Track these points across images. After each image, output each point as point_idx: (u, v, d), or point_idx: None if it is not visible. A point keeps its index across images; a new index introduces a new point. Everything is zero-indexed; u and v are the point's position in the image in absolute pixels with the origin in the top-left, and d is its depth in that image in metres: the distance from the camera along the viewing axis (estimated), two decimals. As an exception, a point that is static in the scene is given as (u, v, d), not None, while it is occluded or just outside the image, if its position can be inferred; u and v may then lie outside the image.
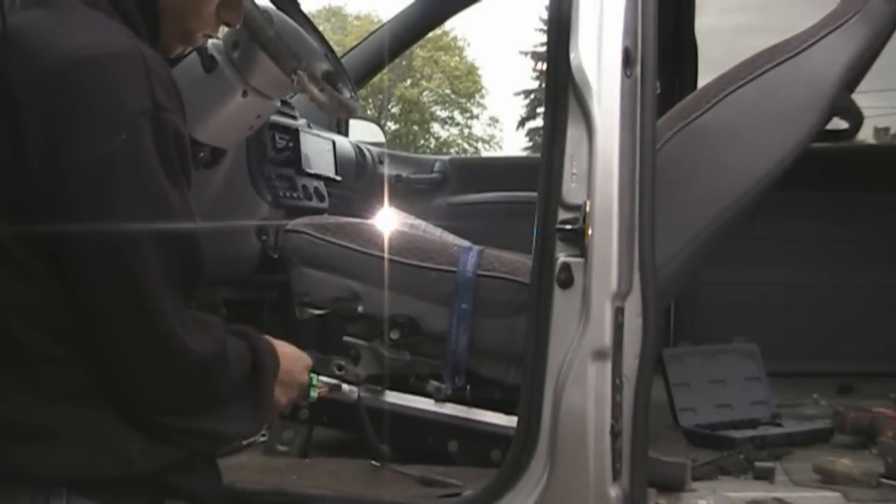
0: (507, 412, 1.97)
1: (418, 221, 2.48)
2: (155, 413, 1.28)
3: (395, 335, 2.06)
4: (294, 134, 2.70)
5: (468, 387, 2.06)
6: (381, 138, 3.78)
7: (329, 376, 1.91)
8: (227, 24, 1.50)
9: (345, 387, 2.03)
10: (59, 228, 1.21)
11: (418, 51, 28.91)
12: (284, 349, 1.48)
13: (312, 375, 1.60)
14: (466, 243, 2.19)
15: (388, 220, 2.44)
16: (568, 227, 1.66)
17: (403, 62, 27.86)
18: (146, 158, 1.22)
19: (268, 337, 1.47)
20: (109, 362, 1.25)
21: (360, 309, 2.08)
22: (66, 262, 1.22)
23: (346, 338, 2.10)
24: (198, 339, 1.27)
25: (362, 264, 2.09)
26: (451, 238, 2.37)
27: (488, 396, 2.08)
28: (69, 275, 1.23)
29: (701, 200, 2.01)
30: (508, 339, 2.00)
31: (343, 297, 2.08)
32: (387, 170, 3.49)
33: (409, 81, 31.67)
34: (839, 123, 2.25)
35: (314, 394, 1.61)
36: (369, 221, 2.33)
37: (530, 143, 29.14)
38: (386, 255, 2.07)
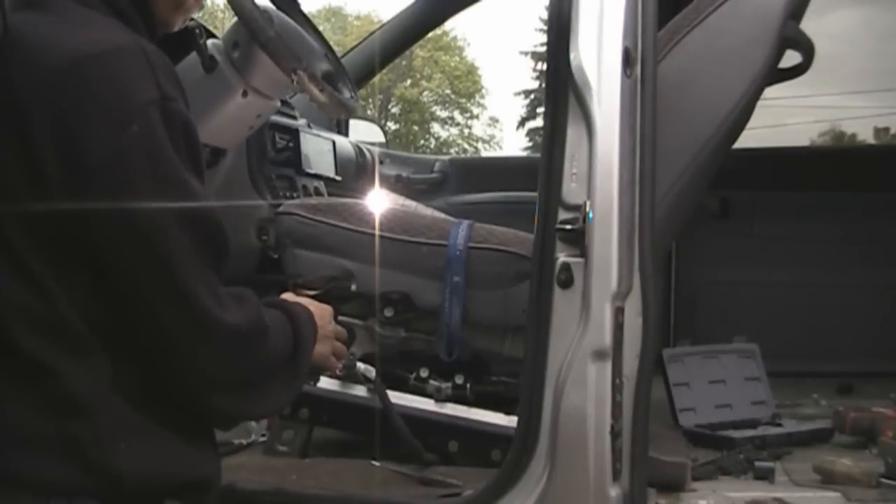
0: (507, 412, 1.97)
1: (409, 202, 2.47)
2: (210, 392, 1.29)
3: (389, 312, 2.07)
4: (294, 134, 2.69)
5: (468, 385, 2.06)
6: (381, 138, 3.78)
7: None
8: None
9: (360, 365, 2.03)
10: (85, 225, 1.21)
11: (418, 51, 28.89)
12: (312, 307, 1.49)
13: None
14: (457, 220, 2.18)
15: (378, 200, 2.44)
16: (568, 227, 1.66)
17: (403, 62, 27.85)
18: (160, 145, 1.22)
19: (296, 300, 1.50)
20: (155, 350, 1.26)
21: (353, 287, 2.08)
22: (94, 259, 1.22)
23: (340, 318, 2.10)
24: (233, 313, 1.28)
25: (354, 243, 2.09)
26: (441, 216, 2.36)
27: (488, 382, 2.09)
28: (101, 274, 1.22)
29: (670, 152, 2.00)
30: (503, 311, 2.01)
31: (336, 277, 2.08)
32: (387, 170, 3.49)
33: (409, 81, 31.66)
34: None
35: (354, 348, 1.63)
36: (360, 201, 2.32)
37: (530, 143, 29.15)
38: (377, 233, 2.07)
